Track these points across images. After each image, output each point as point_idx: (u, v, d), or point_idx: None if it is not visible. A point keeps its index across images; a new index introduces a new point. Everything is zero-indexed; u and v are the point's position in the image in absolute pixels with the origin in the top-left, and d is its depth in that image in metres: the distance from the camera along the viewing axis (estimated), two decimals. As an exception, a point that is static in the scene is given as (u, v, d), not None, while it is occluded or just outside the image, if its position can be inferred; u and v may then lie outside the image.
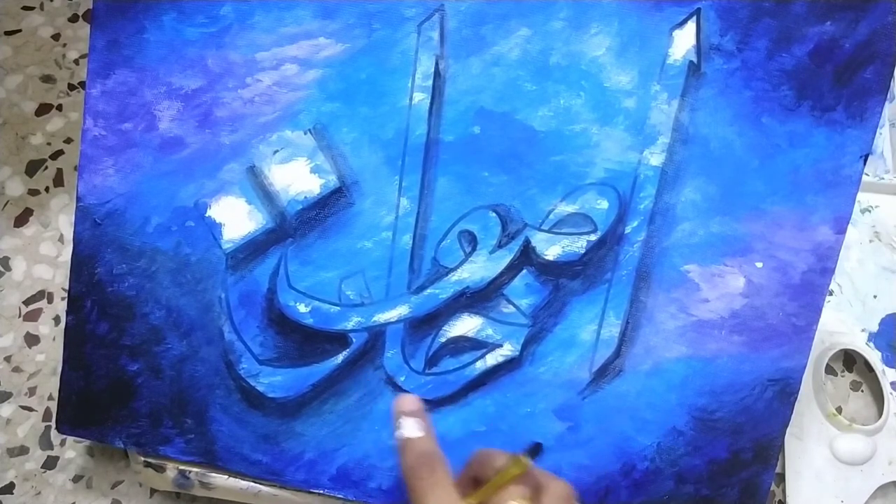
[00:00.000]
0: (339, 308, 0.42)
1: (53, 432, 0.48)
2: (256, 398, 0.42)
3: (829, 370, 0.52)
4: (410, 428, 0.36)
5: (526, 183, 0.42)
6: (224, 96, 0.41)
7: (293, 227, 0.42)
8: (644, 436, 0.42)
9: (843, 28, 0.40)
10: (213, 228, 0.42)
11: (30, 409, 0.49)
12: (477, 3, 0.41)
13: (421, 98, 0.41)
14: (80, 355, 0.43)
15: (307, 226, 0.42)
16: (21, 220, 0.52)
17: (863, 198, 0.54)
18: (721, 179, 0.41)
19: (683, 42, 0.40)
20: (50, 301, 0.51)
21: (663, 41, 0.41)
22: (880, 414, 0.50)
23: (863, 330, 0.52)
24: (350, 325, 0.42)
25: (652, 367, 0.42)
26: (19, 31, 0.55)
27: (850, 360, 0.53)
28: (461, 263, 0.42)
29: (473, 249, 0.42)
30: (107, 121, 0.42)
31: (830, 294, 0.52)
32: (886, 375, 0.51)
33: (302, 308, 0.42)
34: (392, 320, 0.42)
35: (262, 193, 0.42)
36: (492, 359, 0.42)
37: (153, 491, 0.48)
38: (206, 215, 0.42)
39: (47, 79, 0.54)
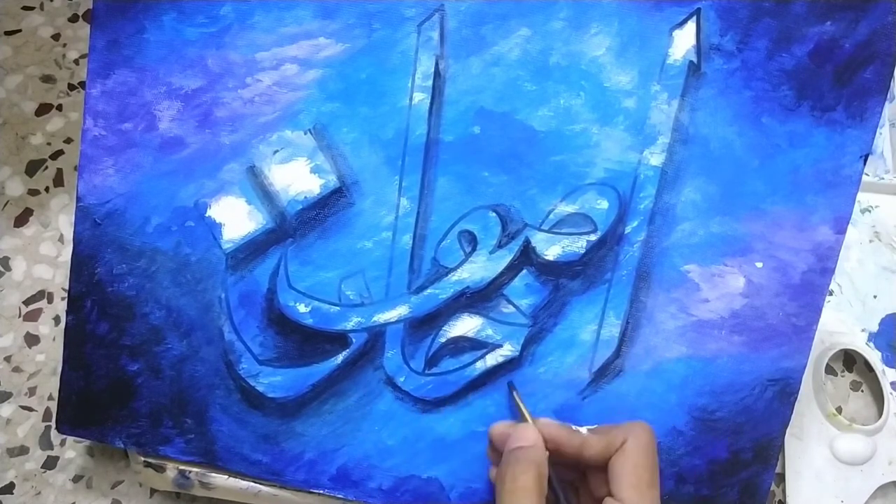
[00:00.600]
0: (339, 308, 0.42)
1: (53, 432, 0.48)
2: (256, 398, 0.42)
3: (829, 370, 0.52)
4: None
5: (526, 183, 0.42)
6: (224, 96, 0.41)
7: (293, 227, 0.42)
8: (644, 436, 0.42)
9: (843, 28, 0.40)
10: (213, 228, 0.42)
11: (30, 409, 0.49)
12: (477, 3, 0.41)
13: (421, 98, 0.41)
14: (80, 355, 0.43)
15: (307, 226, 0.42)
16: (21, 220, 0.52)
17: (863, 198, 0.53)
18: (721, 179, 0.41)
19: (683, 42, 0.40)
20: (50, 301, 0.51)
21: (663, 41, 0.41)
22: (880, 414, 0.50)
23: (863, 330, 0.52)
24: (350, 325, 0.42)
25: (652, 367, 0.42)
26: (19, 31, 0.55)
27: (850, 360, 0.53)
28: (461, 263, 0.42)
29: (473, 249, 0.42)
30: (107, 121, 0.42)
31: (830, 294, 0.52)
32: (886, 375, 0.51)
33: (302, 308, 0.42)
34: (392, 320, 0.42)
35: (262, 193, 0.42)
36: (492, 359, 0.42)
37: (153, 491, 0.48)
38: (206, 215, 0.42)
39: (47, 79, 0.54)
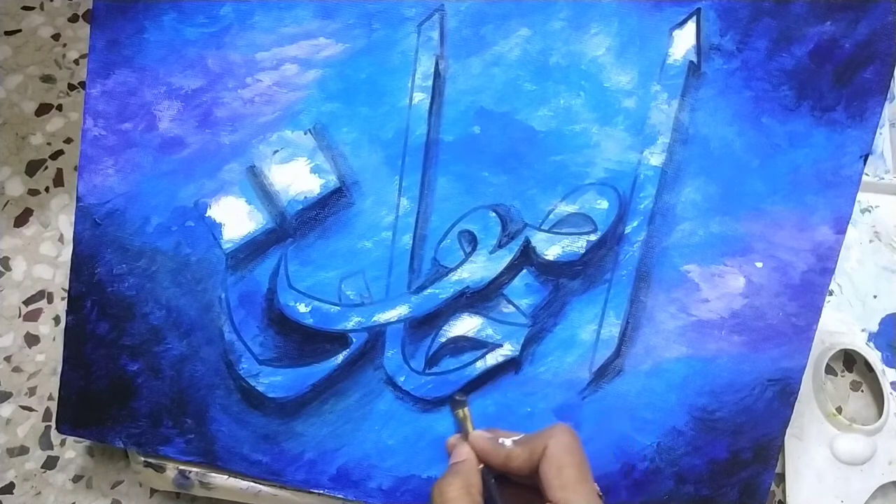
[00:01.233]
0: (339, 308, 0.42)
1: (53, 432, 0.48)
2: (256, 398, 0.42)
3: (829, 370, 0.52)
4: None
5: (526, 183, 0.42)
6: (224, 96, 0.41)
7: (293, 227, 0.42)
8: (644, 436, 0.42)
9: (843, 28, 0.40)
10: (213, 228, 0.42)
11: (30, 409, 0.49)
12: (477, 3, 0.41)
13: (421, 98, 0.41)
14: (80, 355, 0.43)
15: (307, 226, 0.42)
16: (21, 220, 0.52)
17: (863, 198, 0.54)
18: (721, 179, 0.41)
19: (683, 42, 0.40)
20: (50, 301, 0.51)
21: (663, 41, 0.41)
22: (880, 414, 0.50)
23: (863, 330, 0.52)
24: (350, 325, 0.42)
25: (652, 367, 0.42)
26: (19, 31, 0.55)
27: (850, 360, 0.53)
28: (461, 263, 0.42)
29: (473, 249, 0.42)
30: (107, 121, 0.42)
31: (830, 294, 0.52)
32: (886, 375, 0.51)
33: (302, 308, 0.42)
34: (392, 320, 0.42)
35: (262, 193, 0.42)
36: (492, 359, 0.42)
37: (153, 491, 0.48)
38: (206, 215, 0.42)
39: (47, 79, 0.54)
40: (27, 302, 0.51)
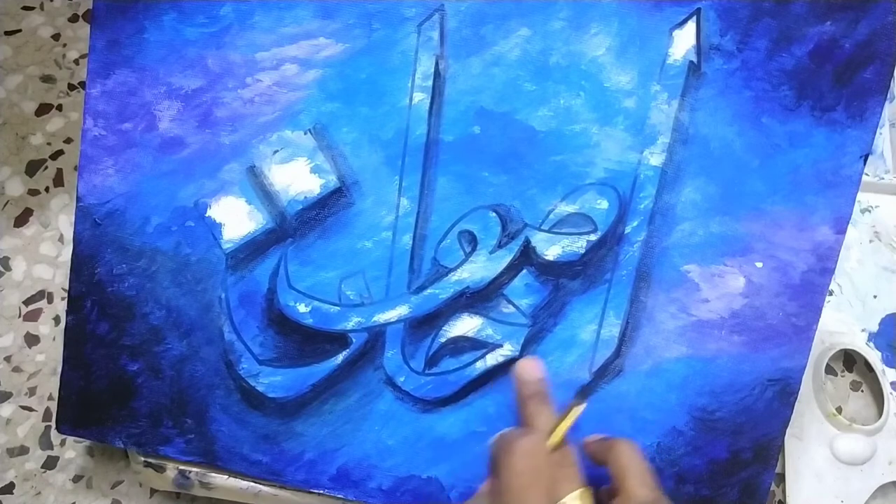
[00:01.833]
0: (339, 308, 0.42)
1: (53, 432, 0.48)
2: (256, 398, 0.42)
3: (829, 370, 0.52)
4: (531, 370, 0.40)
5: (526, 183, 0.42)
6: (224, 96, 0.41)
7: (293, 227, 0.42)
8: (644, 436, 0.42)
9: (843, 28, 0.40)
10: (213, 228, 0.42)
11: (30, 409, 0.49)
12: (477, 3, 0.41)
13: (421, 98, 0.41)
14: (80, 355, 0.43)
15: (307, 226, 0.42)
16: (21, 220, 0.52)
17: (863, 198, 0.53)
18: (721, 179, 0.41)
19: (683, 42, 0.40)
20: (50, 301, 0.51)
21: (663, 41, 0.41)
22: (880, 414, 0.50)
23: (863, 330, 0.52)
24: (350, 325, 0.42)
25: (652, 367, 0.42)
26: (19, 31, 0.55)
27: (850, 360, 0.53)
28: (461, 263, 0.42)
29: (473, 249, 0.42)
30: (107, 121, 0.42)
31: (830, 294, 0.52)
32: (886, 375, 0.51)
33: (302, 308, 0.42)
34: (392, 320, 0.42)
35: (262, 193, 0.42)
36: (492, 359, 0.42)
37: (153, 491, 0.48)
38: (206, 215, 0.42)
39: (47, 79, 0.54)
40: (27, 302, 0.51)
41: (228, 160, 0.42)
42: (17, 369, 0.50)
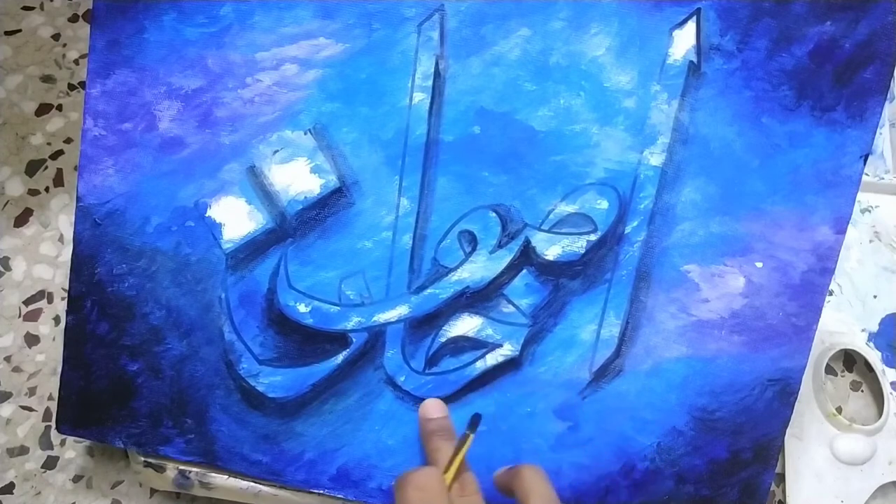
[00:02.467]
0: (339, 308, 0.42)
1: (53, 432, 0.48)
2: (256, 398, 0.42)
3: (829, 370, 0.52)
4: (433, 409, 0.41)
5: (526, 183, 0.42)
6: (224, 96, 0.41)
7: (293, 227, 0.42)
8: (644, 436, 0.42)
9: (843, 28, 0.40)
10: (213, 228, 0.42)
11: (30, 409, 0.49)
12: (477, 3, 0.41)
13: (421, 98, 0.41)
14: (80, 355, 0.43)
15: (307, 226, 0.42)
16: (21, 220, 0.52)
17: (863, 198, 0.53)
18: (721, 179, 0.41)
19: (683, 42, 0.40)
20: (50, 301, 0.51)
21: (663, 41, 0.41)
22: (880, 414, 0.50)
23: (863, 330, 0.52)
24: (350, 325, 0.42)
25: (652, 367, 0.42)
26: (19, 31, 0.55)
27: (850, 360, 0.53)
28: (461, 263, 0.42)
29: (473, 249, 0.42)
30: (107, 121, 0.42)
31: (830, 294, 0.52)
32: (886, 375, 0.51)
33: (302, 308, 0.42)
34: (392, 320, 0.42)
35: (262, 193, 0.42)
36: (492, 359, 0.42)
37: (153, 491, 0.48)
38: (206, 215, 0.42)
39: (47, 79, 0.54)
40: (27, 302, 0.51)
41: (228, 160, 0.42)
42: (17, 369, 0.50)
